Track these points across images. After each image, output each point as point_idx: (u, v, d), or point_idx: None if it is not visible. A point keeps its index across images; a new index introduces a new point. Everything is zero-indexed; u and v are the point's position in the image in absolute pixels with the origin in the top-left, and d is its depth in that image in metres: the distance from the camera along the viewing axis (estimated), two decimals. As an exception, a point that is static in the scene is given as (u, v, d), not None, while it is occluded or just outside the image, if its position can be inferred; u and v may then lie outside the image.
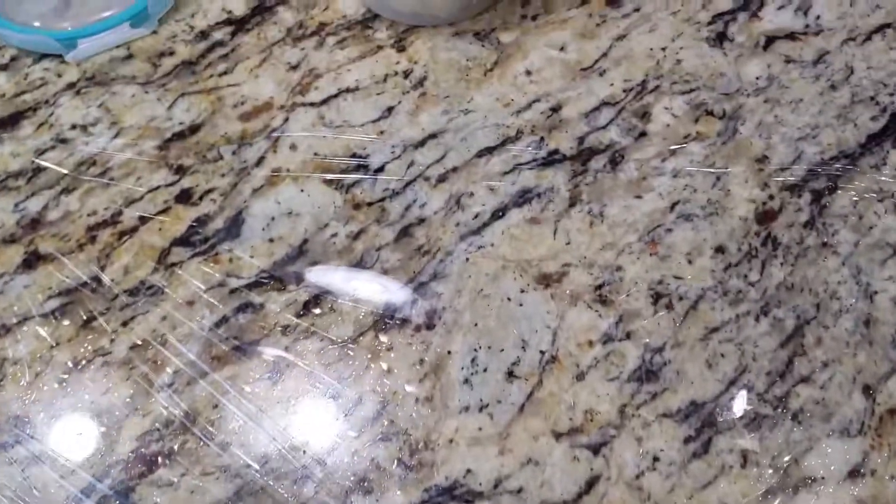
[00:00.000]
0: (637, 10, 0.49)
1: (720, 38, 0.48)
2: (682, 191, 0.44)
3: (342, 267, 0.42)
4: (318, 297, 0.41)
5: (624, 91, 0.47)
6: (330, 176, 0.44)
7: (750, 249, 0.42)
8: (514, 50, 0.48)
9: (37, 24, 0.48)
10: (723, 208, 0.43)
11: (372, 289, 0.42)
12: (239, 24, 0.50)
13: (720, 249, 0.42)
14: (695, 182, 0.44)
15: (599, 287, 0.41)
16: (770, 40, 0.48)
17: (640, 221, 0.43)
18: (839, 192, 0.44)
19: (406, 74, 0.48)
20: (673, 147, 0.45)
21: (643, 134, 0.45)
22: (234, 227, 0.43)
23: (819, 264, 0.42)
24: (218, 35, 0.49)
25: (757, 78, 0.47)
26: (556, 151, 0.45)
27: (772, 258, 0.42)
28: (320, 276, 0.42)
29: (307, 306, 0.41)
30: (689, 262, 0.42)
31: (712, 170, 0.44)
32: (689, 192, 0.44)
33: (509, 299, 0.41)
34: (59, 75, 0.48)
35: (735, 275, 0.41)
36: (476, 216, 0.43)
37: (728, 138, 0.45)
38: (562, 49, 0.48)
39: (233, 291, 0.41)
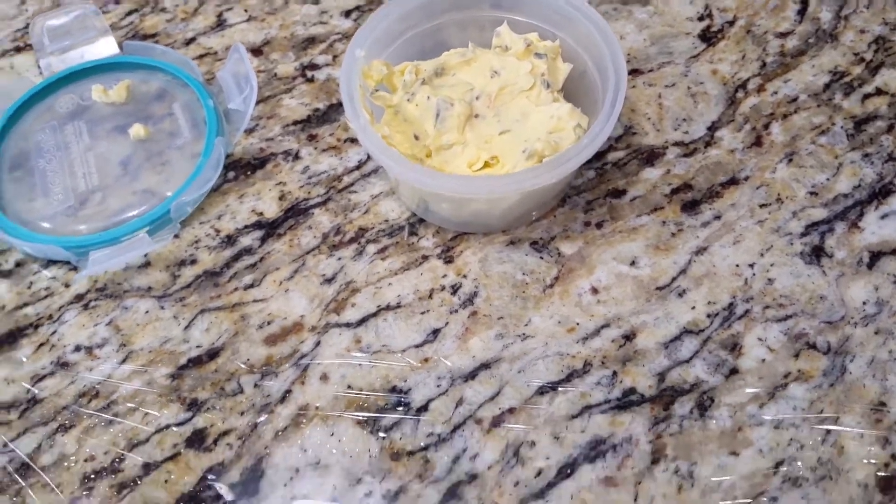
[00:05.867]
0: (718, 217, 0.46)
1: (817, 254, 0.45)
2: (787, 447, 0.39)
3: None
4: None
5: (708, 317, 0.43)
6: (365, 415, 0.40)
7: (876, 527, 0.37)
8: (577, 263, 0.45)
9: (47, 224, 0.47)
10: (837, 470, 0.38)
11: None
12: (270, 229, 0.47)
13: (839, 526, 0.37)
14: (800, 435, 0.39)
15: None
16: (875, 256, 0.44)
17: (739, 486, 0.38)
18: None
19: (454, 290, 0.45)
20: (771, 389, 0.40)
21: (734, 371, 0.41)
22: (252, 481, 0.39)
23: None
24: (246, 241, 0.47)
25: (864, 303, 0.43)
26: (632, 390, 0.41)
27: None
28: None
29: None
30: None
31: (820, 420, 0.39)
32: (795, 448, 0.39)
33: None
34: (67, 285, 0.46)
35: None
36: (539, 473, 0.39)
37: (836, 379, 0.41)
38: (633, 264, 0.45)
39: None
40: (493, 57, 0.46)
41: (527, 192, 0.41)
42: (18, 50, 0.57)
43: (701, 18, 0.54)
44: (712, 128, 0.49)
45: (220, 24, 0.57)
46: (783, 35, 0.53)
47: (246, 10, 0.57)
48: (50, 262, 0.47)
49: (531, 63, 0.45)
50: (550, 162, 0.40)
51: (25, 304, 0.45)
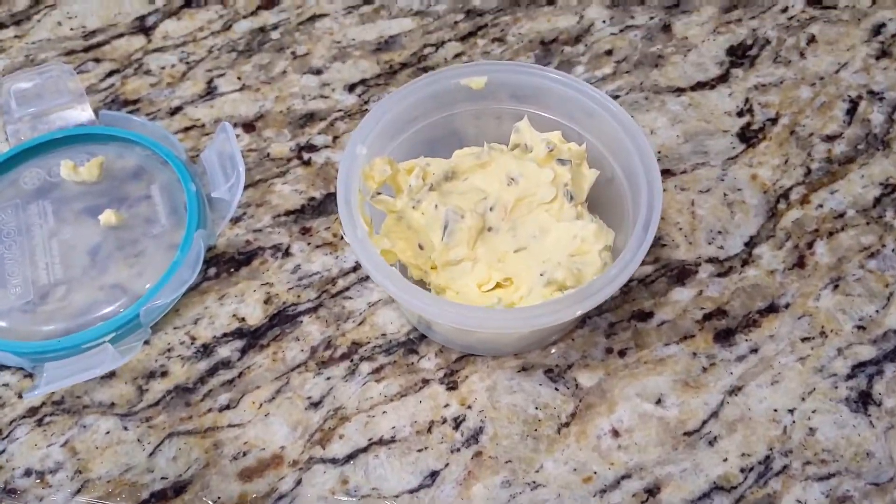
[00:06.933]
0: (755, 350, 0.42)
1: (864, 401, 0.40)
2: None
3: None
4: None
5: (742, 471, 0.39)
6: (350, 575, 0.36)
7: None
8: (596, 398, 0.41)
9: (2, 323, 0.42)
10: None
11: None
12: (252, 338, 0.43)
13: None
14: None
15: None
16: (930, 407, 0.40)
17: None
18: None
19: (457, 423, 0.40)
20: (812, 566, 0.36)
21: (770, 541, 0.37)
22: None
23: None
24: (224, 351, 0.43)
25: (917, 464, 0.39)
26: (653, 559, 0.37)
27: None
28: None
29: None
30: None
31: None
32: None
33: None
34: (20, 395, 0.41)
35: None
36: None
37: (885, 555, 0.36)
38: (659, 402, 0.41)
39: None
40: (511, 160, 0.42)
41: (543, 324, 0.37)
42: (-15, 111, 0.53)
43: (741, 114, 0.50)
44: (750, 243, 0.45)
45: (210, 92, 0.52)
46: (830, 138, 0.49)
47: (239, 78, 0.53)
48: (3, 366, 0.42)
49: (553, 171, 0.41)
50: (572, 296, 0.36)
51: (-28, 416, 0.41)
